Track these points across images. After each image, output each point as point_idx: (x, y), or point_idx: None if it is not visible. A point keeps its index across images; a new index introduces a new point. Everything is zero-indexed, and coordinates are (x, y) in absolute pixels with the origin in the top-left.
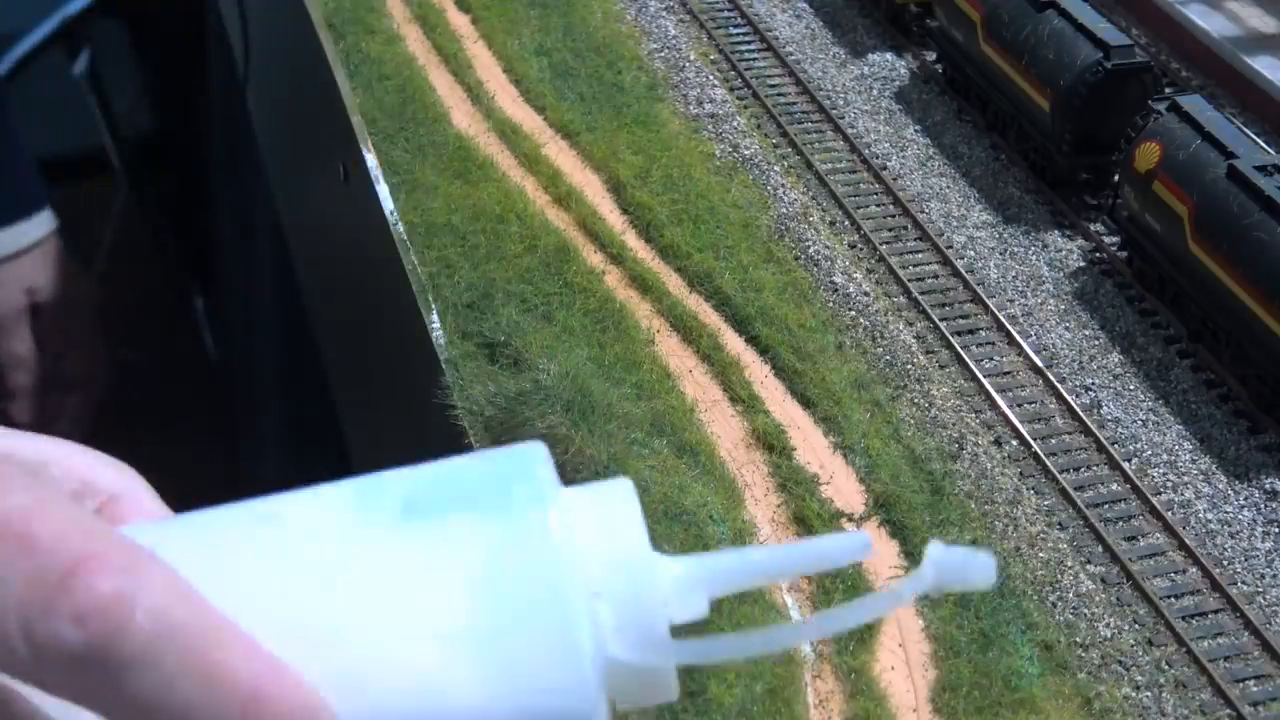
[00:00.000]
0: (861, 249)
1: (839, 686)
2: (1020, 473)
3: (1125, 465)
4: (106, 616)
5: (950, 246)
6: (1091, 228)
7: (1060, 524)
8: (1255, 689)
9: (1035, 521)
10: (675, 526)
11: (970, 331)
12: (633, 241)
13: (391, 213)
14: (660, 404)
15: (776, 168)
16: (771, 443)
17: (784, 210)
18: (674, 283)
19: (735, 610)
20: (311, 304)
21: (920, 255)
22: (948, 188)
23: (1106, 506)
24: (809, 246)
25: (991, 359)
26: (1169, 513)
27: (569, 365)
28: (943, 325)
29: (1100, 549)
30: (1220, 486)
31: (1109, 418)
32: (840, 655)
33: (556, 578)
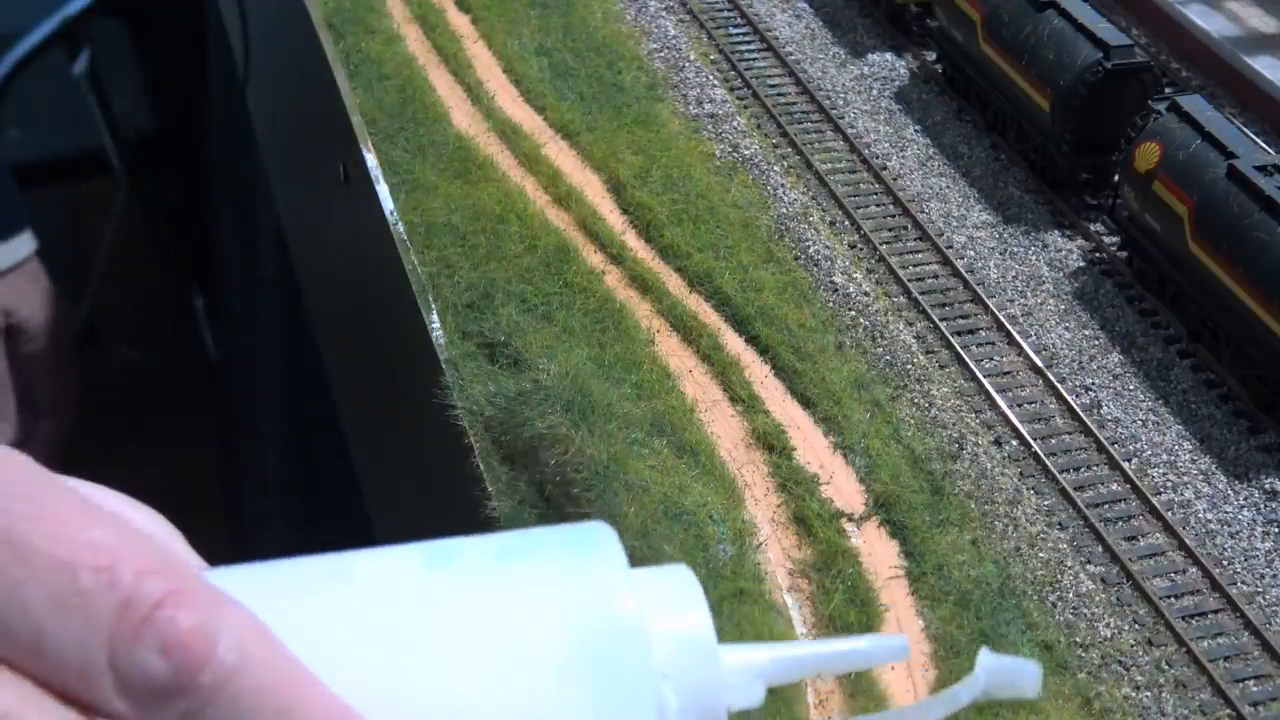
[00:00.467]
0: (861, 249)
1: (839, 686)
2: (1020, 473)
3: (1125, 465)
4: (191, 649)
5: (950, 246)
6: (1091, 228)
7: (1060, 524)
8: (1255, 689)
9: (1035, 521)
10: (675, 526)
11: (970, 331)
12: (633, 241)
13: (391, 213)
14: (660, 404)
15: (776, 168)
16: (771, 443)
17: (784, 210)
18: (674, 283)
19: (735, 610)
20: (311, 304)
21: (920, 255)
22: (948, 188)
23: (1106, 506)
24: (809, 246)
25: (991, 359)
26: (1169, 513)
27: (569, 365)
28: (943, 325)
29: (1100, 549)
30: (1220, 486)
31: (1109, 418)
32: None
33: (632, 660)
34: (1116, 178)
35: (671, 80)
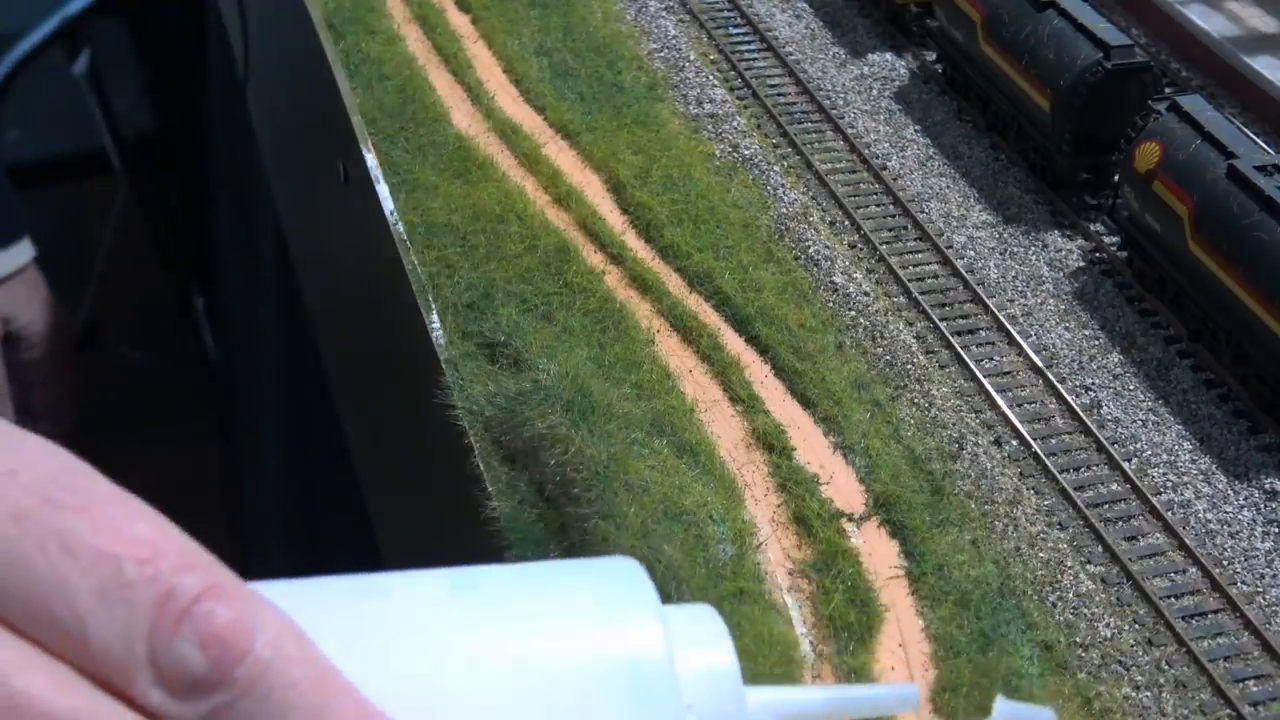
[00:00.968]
0: (861, 249)
1: None
2: (1020, 473)
3: (1125, 465)
4: (229, 643)
5: (950, 246)
6: (1091, 228)
7: (1060, 524)
8: (1255, 689)
9: (1035, 521)
10: (675, 526)
11: (970, 331)
12: (633, 241)
13: (391, 213)
14: (660, 404)
15: (776, 168)
16: (771, 443)
17: (784, 210)
18: (674, 283)
19: (735, 610)
20: (311, 304)
21: (920, 255)
22: (948, 188)
23: (1106, 506)
24: (809, 246)
25: (991, 359)
26: (1169, 513)
27: (569, 365)
28: (943, 325)
29: (1100, 549)
30: (1220, 486)
31: (1109, 418)
32: (840, 655)
33: (660, 688)
34: (1116, 178)
35: (671, 80)
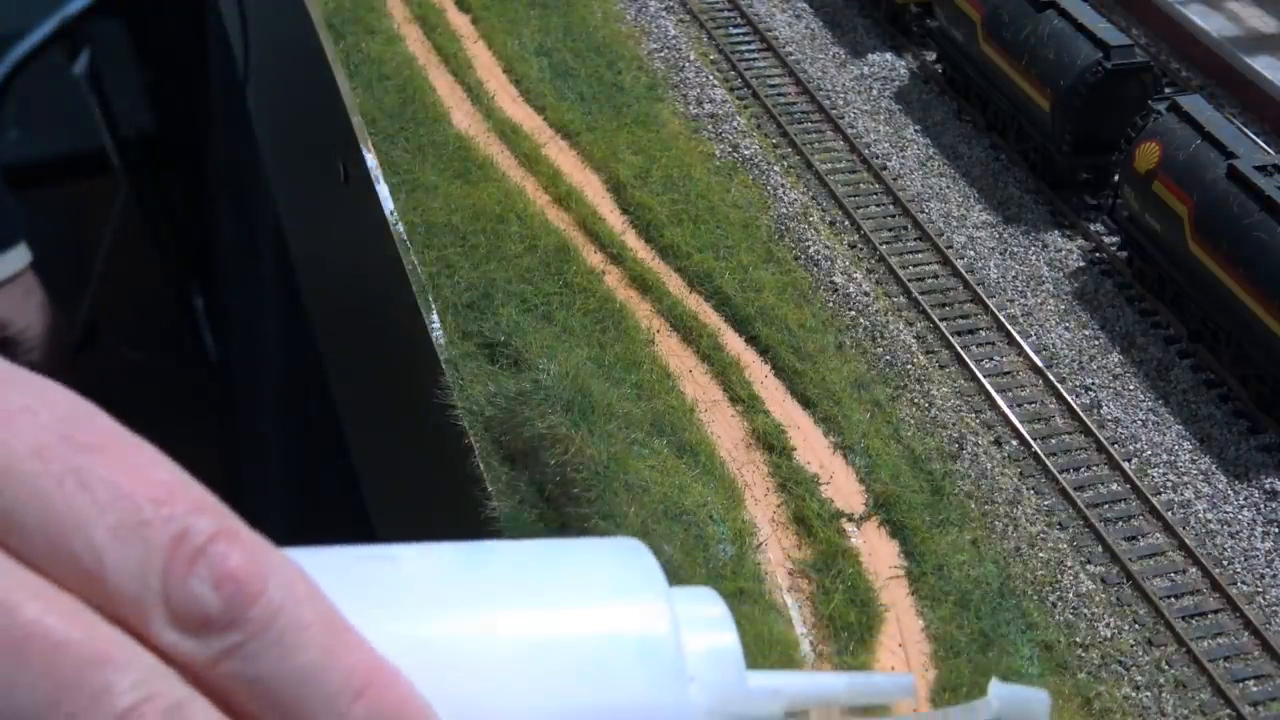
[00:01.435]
0: (861, 249)
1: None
2: (1020, 473)
3: (1125, 465)
4: (243, 583)
5: (950, 246)
6: (1091, 228)
7: (1060, 524)
8: (1255, 689)
9: (1035, 521)
10: (675, 526)
11: (970, 331)
12: (633, 241)
13: (391, 213)
14: (660, 404)
15: (776, 168)
16: (771, 443)
17: (784, 210)
18: (674, 283)
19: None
20: (311, 304)
21: (920, 255)
22: (948, 188)
23: (1106, 506)
24: (809, 246)
25: (991, 359)
26: (1169, 513)
27: (569, 365)
28: (943, 325)
29: (1100, 549)
30: (1220, 486)
31: (1109, 418)
32: (840, 655)
33: (665, 657)
34: (1116, 178)
35: (671, 80)
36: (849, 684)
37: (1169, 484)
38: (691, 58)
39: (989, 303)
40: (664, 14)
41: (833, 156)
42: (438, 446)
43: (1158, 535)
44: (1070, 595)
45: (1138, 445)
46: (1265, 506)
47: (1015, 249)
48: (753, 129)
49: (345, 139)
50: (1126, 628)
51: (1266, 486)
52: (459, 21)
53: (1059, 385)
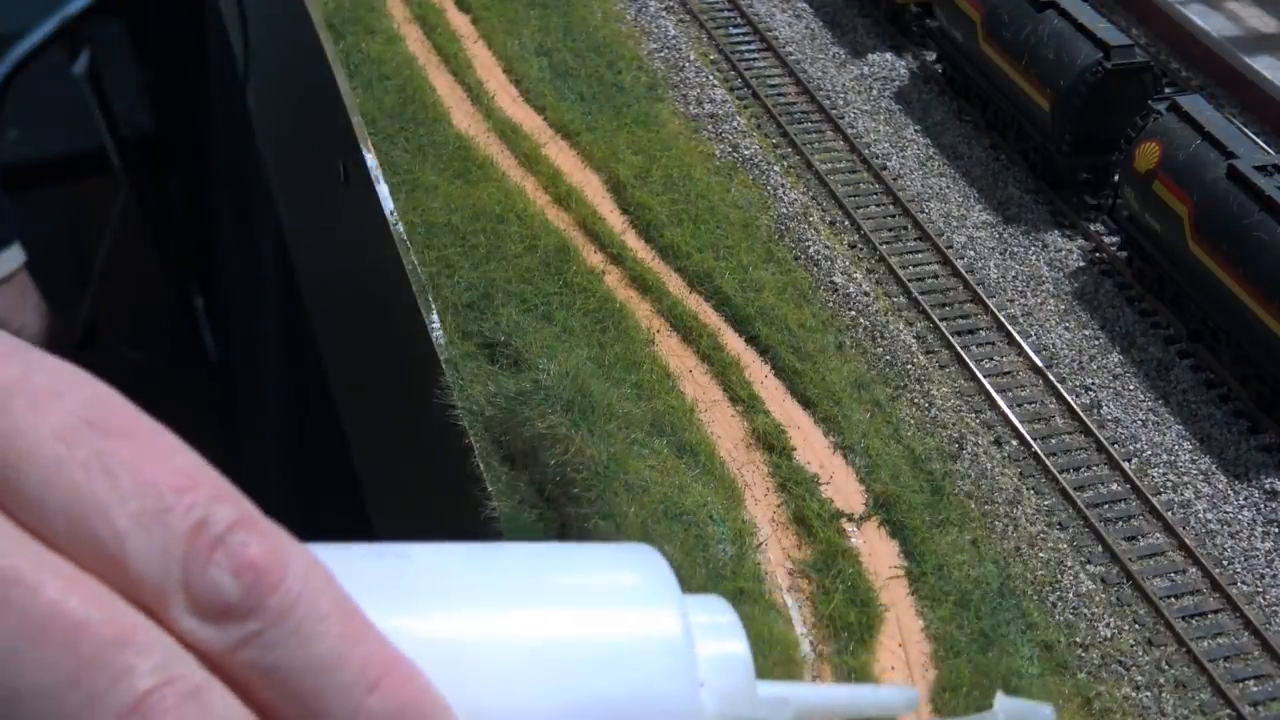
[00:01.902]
0: (861, 249)
1: None
2: (1020, 473)
3: (1125, 465)
4: (263, 573)
5: (950, 246)
6: (1091, 228)
7: (1060, 524)
8: (1255, 689)
9: (1035, 521)
10: (675, 526)
11: (970, 331)
12: (633, 241)
13: (391, 213)
14: (660, 404)
15: (776, 168)
16: (771, 443)
17: (784, 210)
18: (674, 283)
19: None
20: (312, 303)
21: (920, 255)
22: (948, 188)
23: (1106, 506)
24: (809, 246)
25: (991, 359)
26: (1169, 513)
27: (569, 365)
28: (943, 325)
29: (1100, 549)
30: (1220, 486)
31: (1109, 418)
32: (840, 655)
33: (677, 660)
34: (1116, 178)
35: (671, 80)
36: (854, 696)
37: (1169, 484)
38: (691, 58)
39: (989, 303)
40: (664, 14)
41: (833, 156)
42: (438, 446)
43: (1158, 535)
44: (1070, 595)
45: (1138, 445)
46: (1265, 506)
47: (1015, 249)
48: (753, 129)
49: (345, 139)
50: (1126, 628)
51: (1266, 486)
52: (459, 21)
53: (1059, 385)
